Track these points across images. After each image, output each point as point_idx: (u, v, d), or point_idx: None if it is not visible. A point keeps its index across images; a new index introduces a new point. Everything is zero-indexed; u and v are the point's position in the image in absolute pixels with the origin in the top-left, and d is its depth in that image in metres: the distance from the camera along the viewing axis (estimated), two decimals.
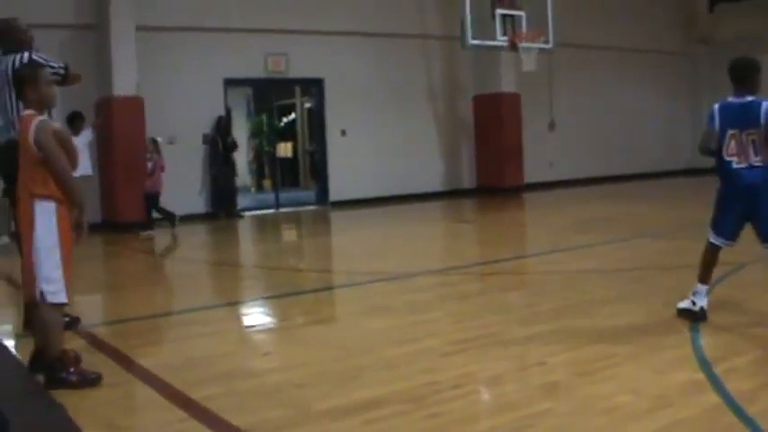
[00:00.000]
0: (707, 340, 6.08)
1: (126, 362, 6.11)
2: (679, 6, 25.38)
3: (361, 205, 18.01)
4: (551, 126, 21.16)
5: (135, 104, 15.11)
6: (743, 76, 6.60)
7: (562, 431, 4.42)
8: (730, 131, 6.50)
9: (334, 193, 18.39)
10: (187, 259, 12.35)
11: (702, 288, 6.72)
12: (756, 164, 6.45)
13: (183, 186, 16.11)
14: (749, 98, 6.50)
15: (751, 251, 9.85)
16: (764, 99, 6.46)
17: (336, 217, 17.18)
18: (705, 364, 5.48)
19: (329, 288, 9.38)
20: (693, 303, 6.66)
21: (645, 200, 18.65)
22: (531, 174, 20.48)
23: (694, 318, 6.56)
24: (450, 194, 19.74)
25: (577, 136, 21.93)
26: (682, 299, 6.85)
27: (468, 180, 20.48)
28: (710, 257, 6.87)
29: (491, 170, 20.08)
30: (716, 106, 6.70)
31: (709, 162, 6.76)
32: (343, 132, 18.32)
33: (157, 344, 6.96)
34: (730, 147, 6.51)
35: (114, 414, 5.04)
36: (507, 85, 19.81)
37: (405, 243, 12.79)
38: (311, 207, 18.71)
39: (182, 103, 16.07)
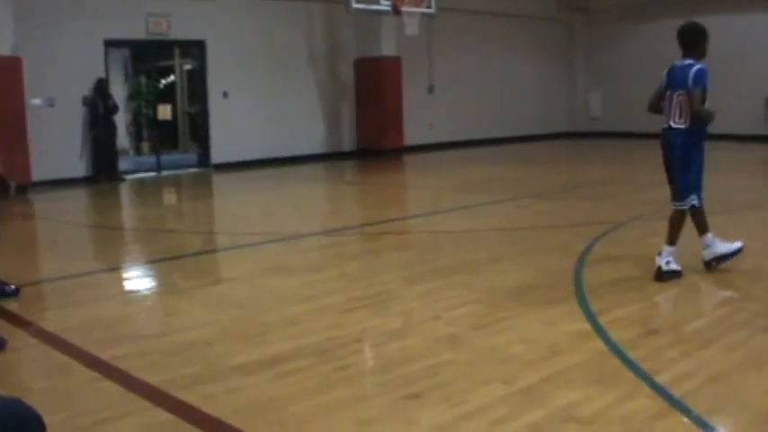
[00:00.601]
0: (591, 294, 6.47)
1: (28, 326, 6.12)
2: None
3: (243, 168, 18.01)
4: (431, 89, 21.51)
5: (12, 65, 14.76)
6: (689, 40, 6.95)
7: (464, 379, 4.71)
8: (668, 92, 6.94)
9: (216, 156, 18.33)
10: (72, 223, 12.22)
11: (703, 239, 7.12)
12: (676, 125, 6.88)
13: (63, 149, 15.84)
14: (688, 61, 6.87)
15: (627, 211, 10.41)
16: (700, 64, 6.83)
17: (219, 180, 17.18)
18: (590, 315, 5.87)
19: (223, 249, 9.49)
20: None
21: (524, 162, 19.18)
22: (411, 136, 20.78)
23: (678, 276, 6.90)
24: (332, 157, 19.90)
25: (456, 99, 22.34)
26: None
27: (348, 142, 20.67)
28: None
29: (372, 133, 20.30)
30: (666, 68, 7.10)
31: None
32: (225, 94, 18.24)
33: (57, 308, 6.93)
34: (665, 107, 6.96)
35: (26, 377, 5.12)
36: (388, 48, 20.03)
37: (291, 205, 12.93)
38: (193, 170, 18.61)
39: (61, 65, 15.76)
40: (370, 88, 20.10)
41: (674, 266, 6.94)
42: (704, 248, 7.13)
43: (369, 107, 20.21)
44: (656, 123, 7.19)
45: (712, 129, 7.10)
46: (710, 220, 7.10)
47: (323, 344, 5.39)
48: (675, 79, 6.89)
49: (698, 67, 6.78)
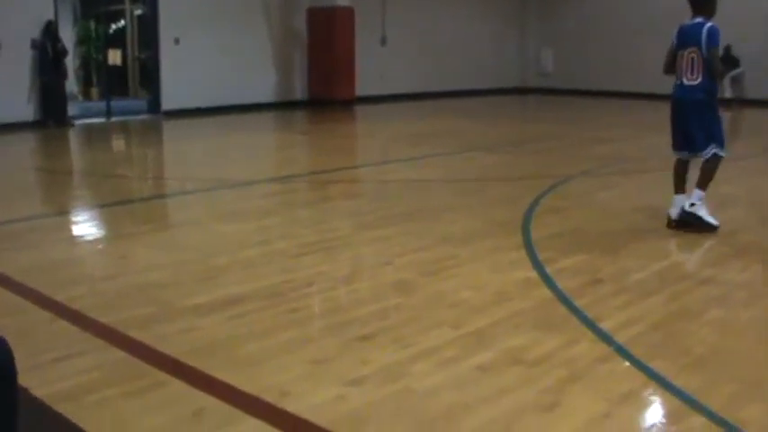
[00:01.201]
0: (538, 244, 6.62)
1: None
2: None
3: (193, 115, 17.91)
4: (383, 41, 21.49)
5: None
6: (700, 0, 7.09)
7: (413, 322, 4.83)
8: (679, 51, 7.09)
9: (167, 103, 18.19)
10: (21, 167, 12.09)
11: (674, 198, 7.27)
12: (688, 82, 7.04)
13: (10, 93, 15.62)
14: (698, 20, 7.03)
15: (576, 166, 10.58)
16: (711, 22, 7.00)
17: (170, 126, 17.07)
18: (537, 264, 6.02)
19: (174, 195, 9.48)
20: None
21: (474, 116, 19.30)
22: (363, 87, 20.78)
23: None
24: (283, 106, 19.85)
25: (409, 52, 22.34)
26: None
27: (300, 92, 20.63)
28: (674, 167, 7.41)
29: (323, 83, 20.26)
30: (676, 28, 7.24)
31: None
32: (177, 41, 18.07)
33: (7, 251, 6.83)
34: (676, 65, 7.11)
35: None
36: None
37: (242, 152, 12.91)
38: (143, 116, 18.47)
39: (9, 7, 15.50)
40: (323, 38, 20.03)
41: (701, 212, 7.11)
42: (684, 204, 7.24)
43: (321, 57, 20.14)
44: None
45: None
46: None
47: (275, 287, 5.47)
48: (686, 38, 7.05)
49: (709, 25, 6.97)
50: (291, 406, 3.70)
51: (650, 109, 20.45)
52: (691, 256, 6.49)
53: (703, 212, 7.13)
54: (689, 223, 7.14)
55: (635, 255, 6.51)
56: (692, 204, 7.10)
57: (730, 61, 21.59)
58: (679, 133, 7.30)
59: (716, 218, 7.18)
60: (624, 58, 23.61)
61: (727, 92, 21.58)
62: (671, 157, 7.41)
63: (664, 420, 3.75)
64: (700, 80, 7.00)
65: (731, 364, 4.35)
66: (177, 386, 3.95)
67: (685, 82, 7.08)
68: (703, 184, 7.12)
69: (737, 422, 3.62)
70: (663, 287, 5.62)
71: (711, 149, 7.07)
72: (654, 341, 4.63)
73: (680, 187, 7.31)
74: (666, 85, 7.48)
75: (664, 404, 3.91)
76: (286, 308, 5.08)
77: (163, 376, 4.05)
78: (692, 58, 7.00)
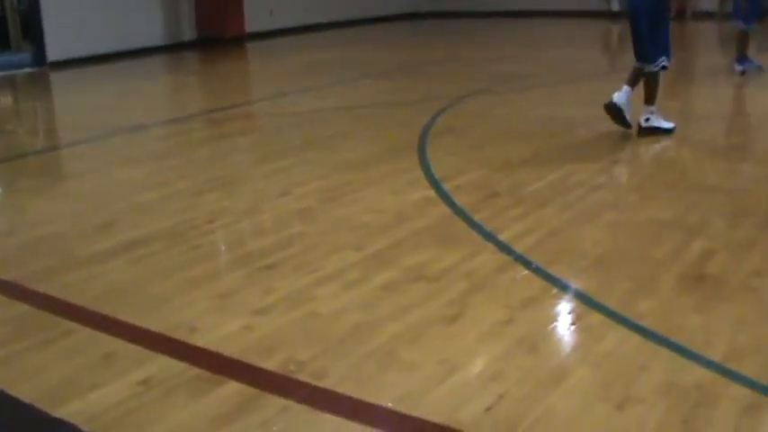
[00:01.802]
0: (435, 164, 6.71)
1: None
2: None
3: (81, 64, 17.46)
4: None
5: None
6: None
7: (316, 248, 4.89)
8: None
9: (52, 54, 17.69)
10: None
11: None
12: None
13: None
14: None
15: (471, 86, 10.70)
16: None
17: (57, 78, 16.60)
18: (435, 183, 6.13)
19: (66, 146, 9.28)
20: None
21: (367, 43, 19.21)
22: (253, 23, 20.50)
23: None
24: (172, 48, 19.47)
25: None
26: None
27: (189, 32, 20.25)
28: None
29: (211, 21, 19.88)
30: None
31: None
32: None
33: None
34: None
35: None
36: None
37: (134, 97, 12.65)
38: (28, 69, 17.95)
39: None
40: None
41: (654, 123, 7.42)
42: (642, 115, 7.55)
43: None
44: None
45: (550, 5, 7.45)
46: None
47: (176, 227, 5.46)
48: None
49: None
50: (200, 340, 3.74)
51: (545, 25, 20.75)
52: (583, 165, 6.63)
53: (659, 122, 7.46)
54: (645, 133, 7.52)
55: (530, 167, 6.66)
56: (647, 119, 7.41)
57: None
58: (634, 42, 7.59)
59: (667, 119, 7.54)
60: None
61: (614, 5, 21.91)
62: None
63: (563, 320, 3.89)
64: None
65: (625, 264, 4.52)
66: (85, 333, 3.95)
67: None
68: (651, 98, 7.45)
69: (633, 317, 3.78)
70: (557, 196, 5.77)
71: (661, 61, 7.37)
72: (551, 248, 4.77)
73: (652, 97, 7.59)
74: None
75: (563, 306, 4.07)
76: (189, 245, 5.08)
77: (70, 325, 4.04)
78: None
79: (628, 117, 7.45)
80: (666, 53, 7.41)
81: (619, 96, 7.43)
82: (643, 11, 7.34)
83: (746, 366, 3.32)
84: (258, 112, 10.63)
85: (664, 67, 7.44)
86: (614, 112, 7.45)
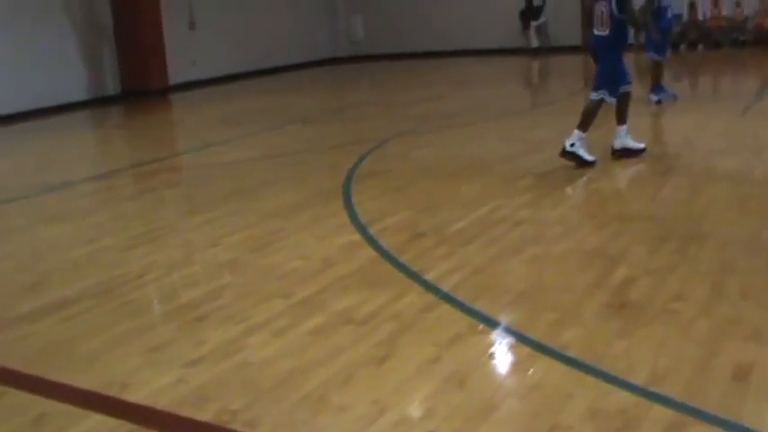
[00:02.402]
0: (360, 207, 6.83)
1: None
2: None
3: (4, 122, 17.27)
4: (192, 25, 21.22)
5: None
6: None
7: (245, 298, 4.94)
8: (593, 4, 7.93)
9: None
10: None
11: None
12: (599, 33, 7.86)
13: None
14: None
15: (392, 129, 10.84)
16: None
17: None
18: (361, 227, 6.24)
19: None
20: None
21: (289, 91, 19.33)
22: (176, 75, 20.48)
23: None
24: (96, 102, 19.36)
25: (218, 34, 22.08)
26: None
27: (112, 86, 20.15)
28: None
29: (134, 74, 19.82)
30: None
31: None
32: None
33: None
34: (592, 17, 7.94)
35: None
36: None
37: (58, 154, 12.54)
38: None
39: None
40: (129, 28, 19.59)
41: (579, 151, 7.75)
42: (615, 138, 8.14)
43: (129, 47, 19.70)
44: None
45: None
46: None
47: (106, 283, 5.47)
48: None
49: None
50: (133, 396, 3.77)
51: (460, 65, 21.07)
52: (506, 200, 6.79)
53: (582, 151, 7.74)
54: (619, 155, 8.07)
55: (454, 206, 6.79)
56: (572, 144, 7.71)
57: (533, 12, 22.41)
58: None
59: (590, 153, 7.82)
60: (431, 18, 24.10)
61: (533, 41, 22.38)
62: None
63: (491, 355, 4.00)
64: (608, 32, 7.80)
65: (549, 296, 4.66)
66: (15, 396, 3.95)
67: (596, 32, 7.92)
68: (583, 125, 7.85)
69: (559, 347, 3.90)
70: (481, 233, 5.91)
71: (600, 94, 7.91)
72: (476, 284, 4.90)
73: (621, 118, 8.21)
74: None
75: (490, 340, 4.17)
76: (119, 302, 5.10)
77: (0, 388, 4.02)
78: (602, 11, 7.77)
79: (638, 146, 8.16)
80: (607, 87, 7.91)
81: (617, 141, 8.13)
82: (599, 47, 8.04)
83: (668, 388, 3.45)
84: (184, 165, 10.64)
85: (602, 100, 7.94)
86: (621, 153, 8.07)
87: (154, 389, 3.81)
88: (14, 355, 4.40)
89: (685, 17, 19.38)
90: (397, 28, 24.96)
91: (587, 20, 8.33)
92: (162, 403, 3.65)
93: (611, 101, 7.96)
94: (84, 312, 4.96)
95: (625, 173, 7.78)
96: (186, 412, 3.55)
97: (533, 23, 22.54)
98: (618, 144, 8.12)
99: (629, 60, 8.54)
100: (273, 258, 5.70)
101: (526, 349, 3.98)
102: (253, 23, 23.23)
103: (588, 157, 7.75)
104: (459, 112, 12.63)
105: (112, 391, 3.82)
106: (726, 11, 20.14)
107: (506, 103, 13.84)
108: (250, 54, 23.15)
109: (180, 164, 10.73)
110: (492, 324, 4.31)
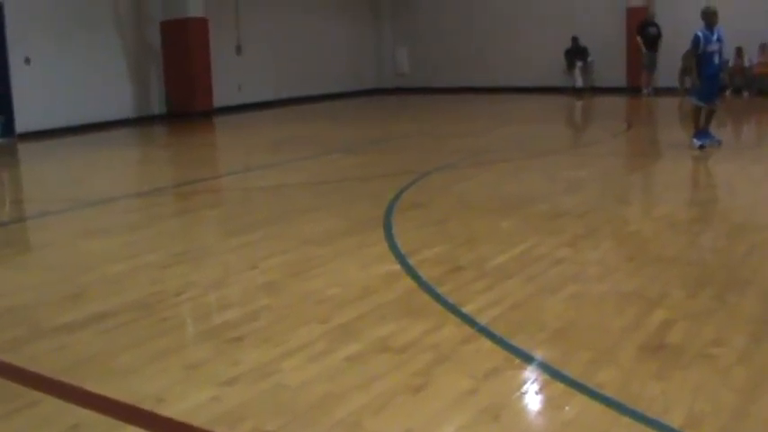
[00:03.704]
0: (401, 238, 6.82)
1: None
2: None
3: (51, 136, 17.50)
4: (239, 50, 21.44)
5: None
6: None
7: (283, 321, 4.96)
8: None
9: (21, 125, 17.71)
10: None
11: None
12: None
13: None
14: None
15: (434, 161, 10.87)
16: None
17: (26, 149, 16.59)
18: (400, 258, 6.23)
19: (34, 217, 9.28)
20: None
21: (333, 119, 19.45)
22: (221, 98, 20.68)
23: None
24: (141, 121, 19.59)
25: (265, 60, 22.32)
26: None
27: (158, 106, 20.39)
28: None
29: (181, 95, 20.07)
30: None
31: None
32: (27, 60, 17.66)
33: None
34: None
35: None
36: (194, 9, 19.81)
37: (104, 169, 12.71)
38: None
39: None
40: (178, 50, 19.86)
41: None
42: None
43: (176, 69, 19.96)
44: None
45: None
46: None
47: (145, 299, 5.51)
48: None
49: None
50: (168, 411, 3.78)
51: (503, 102, 21.11)
52: (546, 238, 6.77)
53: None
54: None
55: (493, 241, 6.78)
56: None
57: (579, 52, 22.44)
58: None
59: None
60: (476, 54, 24.23)
61: (578, 81, 22.39)
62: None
63: (526, 390, 3.97)
64: None
65: (586, 335, 4.63)
66: (52, 404, 3.97)
67: None
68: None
69: (595, 386, 3.87)
70: (520, 269, 5.89)
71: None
72: (514, 320, 4.87)
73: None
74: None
75: (526, 375, 4.15)
76: (157, 318, 5.13)
77: (36, 395, 4.06)
78: None
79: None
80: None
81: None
82: None
83: None
84: (225, 187, 10.71)
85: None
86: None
87: (189, 405, 3.82)
88: (51, 364, 4.43)
89: (732, 63, 19.34)
90: (442, 62, 25.09)
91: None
92: (197, 420, 3.66)
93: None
94: (121, 326, 5.00)
95: (665, 216, 7.73)
96: (220, 430, 3.56)
97: (578, 63, 22.55)
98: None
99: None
100: (312, 284, 5.71)
101: (561, 386, 3.95)
102: (299, 51, 23.43)
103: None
104: (500, 147, 12.66)
105: (147, 405, 3.84)
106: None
107: (548, 141, 13.84)
108: (295, 81, 23.34)
109: (222, 186, 10.81)
110: (528, 359, 4.29)
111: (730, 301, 5.17)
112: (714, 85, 11.48)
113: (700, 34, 11.14)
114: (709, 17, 11.13)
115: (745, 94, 19.77)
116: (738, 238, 6.91)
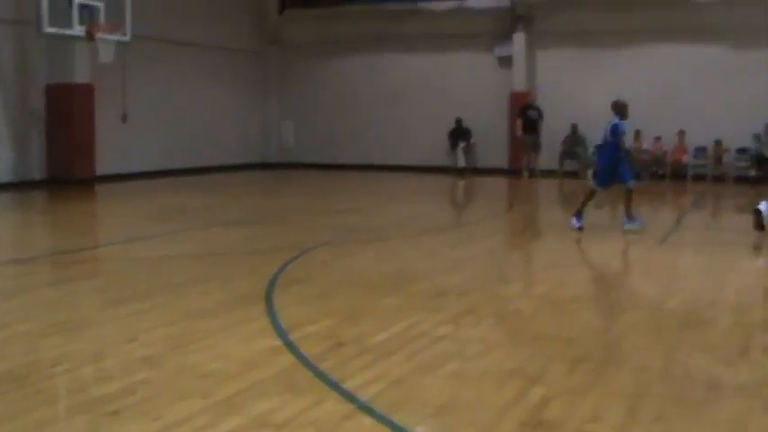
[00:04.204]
0: (282, 313, 6.83)
1: None
2: (251, 7, 26.48)
3: None
4: (124, 118, 21.18)
5: None
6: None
7: (162, 395, 4.89)
8: None
9: None
10: None
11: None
12: None
13: None
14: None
15: (316, 237, 10.92)
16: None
17: None
18: (282, 333, 6.23)
19: None
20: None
21: (220, 191, 19.41)
22: (104, 165, 20.41)
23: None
24: (20, 186, 19.16)
25: (151, 128, 22.16)
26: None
27: (39, 171, 19.98)
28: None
29: (62, 161, 19.71)
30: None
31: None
32: None
33: None
34: None
35: None
36: (81, 75, 19.59)
37: None
38: None
39: None
40: (62, 116, 19.57)
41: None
42: None
43: (59, 135, 19.64)
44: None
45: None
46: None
47: (19, 369, 5.36)
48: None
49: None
50: None
51: (389, 180, 21.40)
52: (427, 316, 6.86)
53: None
54: None
55: (375, 318, 6.84)
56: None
57: (462, 133, 23.00)
58: None
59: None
60: (360, 131, 24.59)
61: (460, 161, 22.88)
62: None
63: None
64: None
65: (467, 412, 4.70)
66: None
67: None
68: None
69: None
70: (401, 346, 5.94)
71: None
72: (395, 396, 4.91)
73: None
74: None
75: None
76: (32, 389, 5.00)
77: None
78: None
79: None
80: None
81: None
82: None
83: None
84: (107, 256, 10.54)
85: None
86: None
87: None
88: None
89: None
90: (327, 138, 25.37)
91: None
92: None
93: None
94: None
95: (545, 295, 7.92)
96: None
97: (461, 144, 23.09)
98: None
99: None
100: (193, 358, 5.65)
101: None
102: (186, 121, 23.37)
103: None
104: (383, 225, 12.83)
105: None
106: (646, 145, 20.94)
107: (431, 219, 14.09)
108: (181, 151, 23.24)
109: (102, 255, 10.64)
110: None
111: (607, 376, 5.33)
112: (613, 171, 11.88)
113: (618, 123, 11.60)
114: (623, 108, 11.66)
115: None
116: (615, 316, 7.16)
